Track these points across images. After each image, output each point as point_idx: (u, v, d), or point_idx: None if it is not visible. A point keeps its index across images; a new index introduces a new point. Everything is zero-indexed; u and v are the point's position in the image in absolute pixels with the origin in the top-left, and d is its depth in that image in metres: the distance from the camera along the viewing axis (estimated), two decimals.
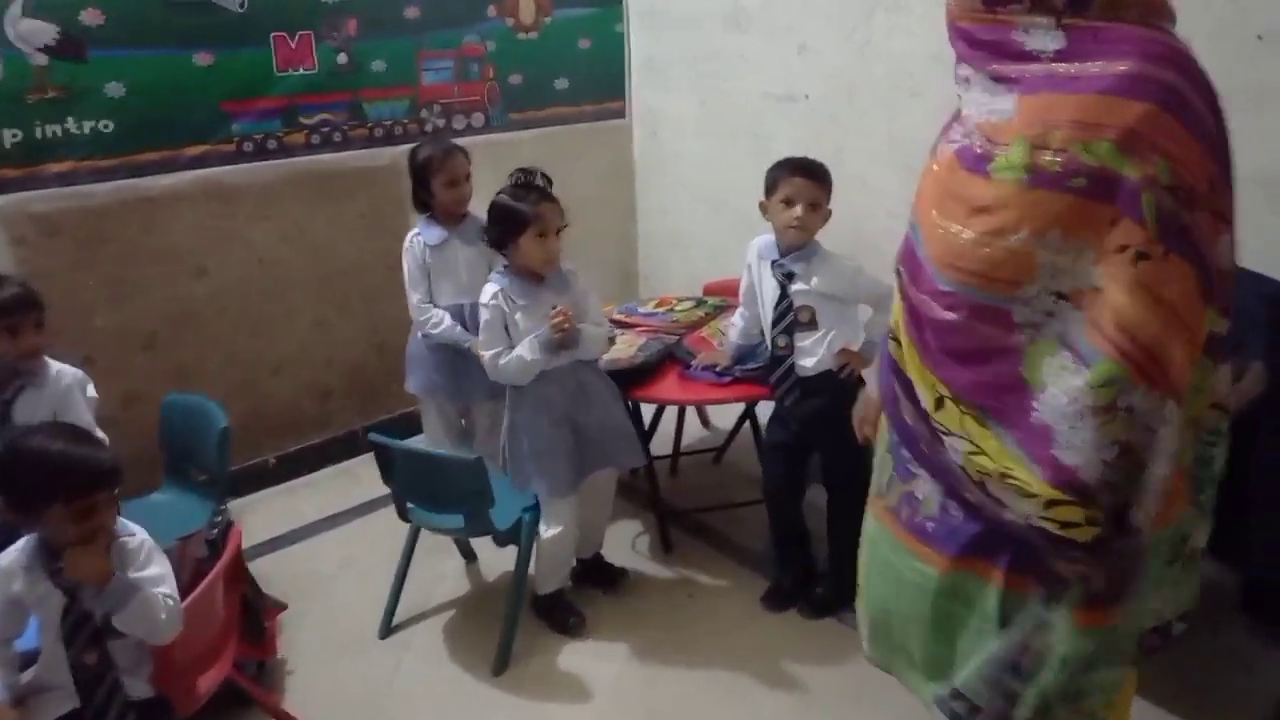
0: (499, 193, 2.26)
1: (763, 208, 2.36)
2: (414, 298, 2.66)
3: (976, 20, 1.18)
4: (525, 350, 2.22)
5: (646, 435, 2.88)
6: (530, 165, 2.31)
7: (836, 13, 3.10)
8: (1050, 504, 1.10)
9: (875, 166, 3.06)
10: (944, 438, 1.22)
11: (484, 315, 2.26)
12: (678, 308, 2.93)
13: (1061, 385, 1.09)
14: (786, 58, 3.28)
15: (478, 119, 3.51)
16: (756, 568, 2.66)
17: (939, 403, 1.22)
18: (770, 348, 2.36)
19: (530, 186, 2.24)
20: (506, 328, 2.26)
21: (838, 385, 2.33)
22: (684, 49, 3.69)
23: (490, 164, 3.40)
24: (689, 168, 3.81)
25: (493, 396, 2.76)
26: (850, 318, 2.38)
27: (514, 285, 2.26)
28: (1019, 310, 1.13)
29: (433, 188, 2.60)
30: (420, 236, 2.65)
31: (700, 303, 2.98)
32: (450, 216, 2.66)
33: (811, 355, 2.32)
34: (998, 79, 1.17)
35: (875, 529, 1.50)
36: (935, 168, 1.25)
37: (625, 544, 2.81)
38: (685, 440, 3.25)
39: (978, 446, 1.16)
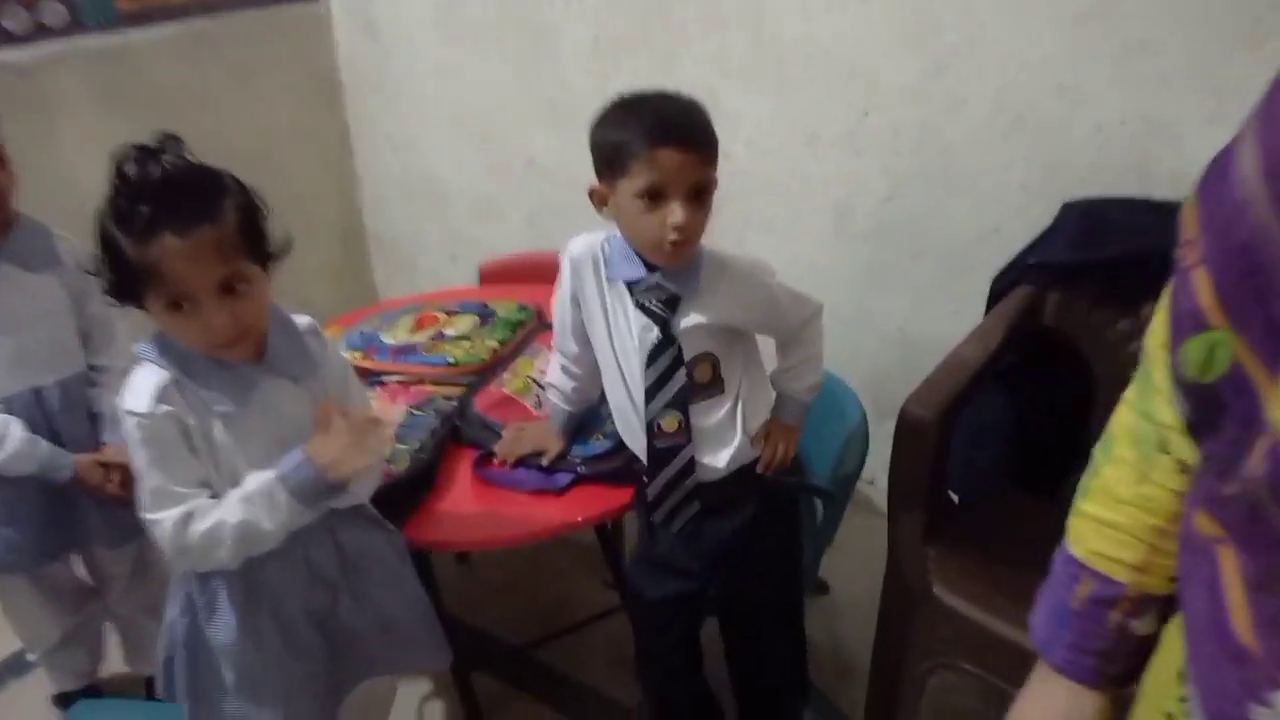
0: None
1: (598, 198, 1.26)
2: None
3: None
4: (259, 511, 1.07)
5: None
6: (159, 132, 1.02)
7: None
8: None
9: (729, 79, 2.01)
10: None
11: (136, 436, 1.04)
12: (451, 332, 1.77)
13: None
14: None
15: (55, 14, 2.06)
16: None
17: None
18: (645, 433, 1.31)
19: (144, 190, 0.98)
20: (192, 453, 1.08)
21: (760, 490, 1.35)
22: None
23: (92, 97, 2.03)
24: (429, 79, 2.56)
25: (126, 539, 1.56)
26: (754, 362, 1.37)
27: (197, 371, 1.06)
28: None
29: None
30: None
31: (486, 314, 1.83)
32: None
33: (722, 443, 1.30)
34: None
35: None
36: None
37: (409, 715, 1.75)
38: None
39: None
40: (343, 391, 1.22)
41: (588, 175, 1.24)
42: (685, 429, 1.29)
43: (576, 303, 1.35)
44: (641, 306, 1.27)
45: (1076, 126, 1.65)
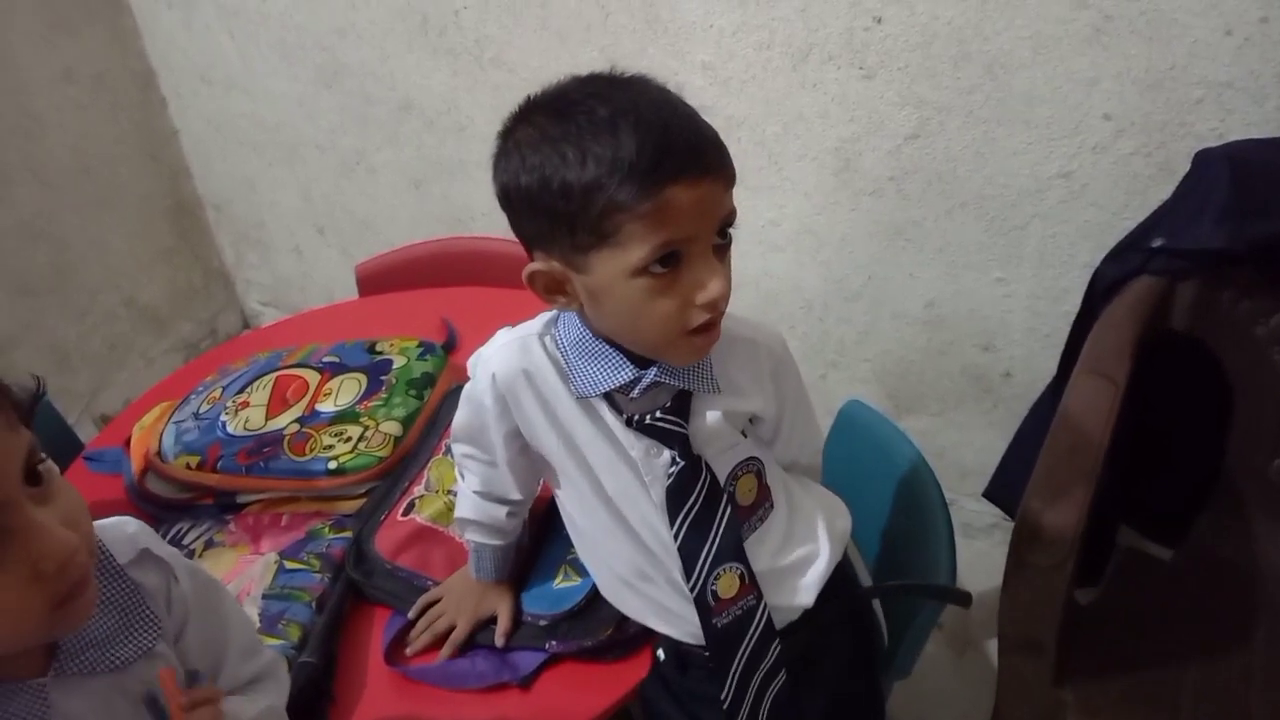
0: None
1: (544, 285, 0.75)
2: None
3: None
4: None
5: None
6: None
7: None
8: None
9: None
10: None
11: None
12: (328, 407, 1.20)
13: None
14: None
15: None
16: None
17: None
18: (695, 611, 0.84)
19: None
20: None
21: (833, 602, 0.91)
22: None
23: None
24: None
25: None
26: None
27: None
28: None
29: None
30: None
31: (376, 369, 1.27)
32: None
33: (798, 570, 0.87)
34: None
35: None
36: None
37: None
38: None
39: None
40: (212, 650, 0.72)
41: (486, 123, 0.73)
42: (751, 581, 0.84)
43: (517, 436, 0.85)
44: (638, 424, 0.79)
45: (1194, 27, 1.15)
